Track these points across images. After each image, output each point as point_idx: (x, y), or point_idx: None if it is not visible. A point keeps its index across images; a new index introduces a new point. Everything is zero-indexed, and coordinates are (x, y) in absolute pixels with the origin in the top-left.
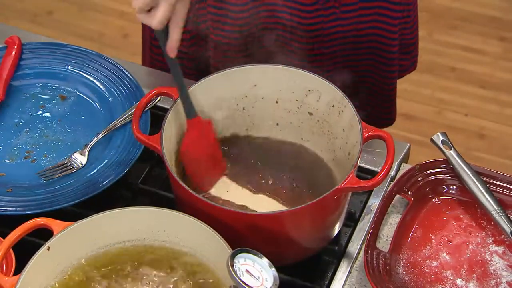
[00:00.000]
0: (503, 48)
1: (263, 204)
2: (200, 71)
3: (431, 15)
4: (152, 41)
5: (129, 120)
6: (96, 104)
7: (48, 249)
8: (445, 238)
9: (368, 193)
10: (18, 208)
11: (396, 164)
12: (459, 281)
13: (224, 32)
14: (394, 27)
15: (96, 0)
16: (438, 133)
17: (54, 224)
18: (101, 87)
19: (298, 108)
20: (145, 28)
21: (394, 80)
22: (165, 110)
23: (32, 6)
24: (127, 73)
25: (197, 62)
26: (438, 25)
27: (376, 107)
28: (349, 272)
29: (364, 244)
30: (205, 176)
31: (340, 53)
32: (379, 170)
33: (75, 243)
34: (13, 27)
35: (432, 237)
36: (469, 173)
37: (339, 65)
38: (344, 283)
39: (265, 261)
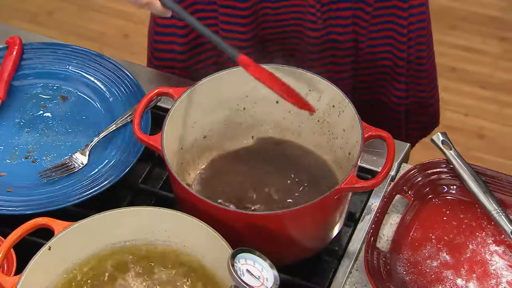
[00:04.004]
0: (503, 48)
1: (264, 203)
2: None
3: (431, 15)
4: (154, 44)
5: (130, 120)
6: (97, 104)
7: (49, 249)
8: (445, 238)
9: (369, 193)
10: (19, 208)
11: (396, 164)
12: (459, 281)
13: (233, 33)
14: (402, 45)
15: (97, 0)
16: (438, 133)
17: (55, 224)
18: (102, 87)
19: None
20: (150, 30)
21: (402, 101)
22: (166, 110)
23: (33, 6)
24: (128, 73)
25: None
26: (438, 25)
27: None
28: (350, 272)
29: (365, 244)
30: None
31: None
32: (379, 170)
33: (76, 243)
34: (14, 28)
35: (432, 237)
36: (469, 173)
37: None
38: (345, 283)
39: (265, 261)
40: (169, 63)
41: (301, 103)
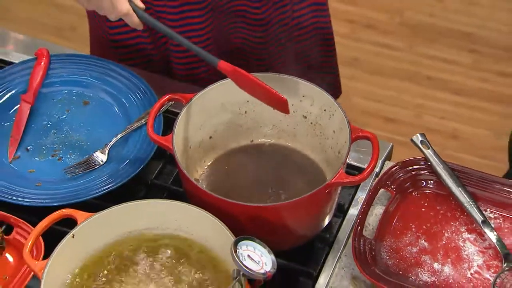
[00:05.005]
0: (473, 59)
1: (263, 197)
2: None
3: (411, 30)
4: (112, 43)
5: (144, 122)
6: (115, 109)
7: (73, 237)
8: (424, 227)
9: (356, 187)
10: (46, 201)
11: (380, 161)
12: (436, 265)
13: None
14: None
15: None
16: (418, 134)
17: (78, 214)
18: (119, 93)
19: (293, 112)
20: (96, 29)
21: (334, 57)
22: (176, 114)
23: (59, 22)
24: (142, 80)
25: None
26: (417, 39)
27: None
28: (339, 257)
29: (352, 232)
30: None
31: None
32: (365, 167)
33: (97, 231)
34: (42, 41)
35: (412, 226)
36: (444, 169)
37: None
38: (335, 267)
39: (264, 247)
40: (144, 59)
41: (279, 106)
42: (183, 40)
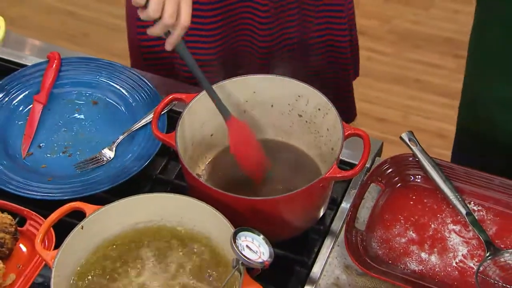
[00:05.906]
0: (457, 63)
1: (261, 191)
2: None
3: (399, 37)
4: (142, 49)
5: (149, 121)
6: (122, 108)
7: (82, 228)
8: (412, 218)
9: (348, 181)
10: (57, 194)
11: (371, 158)
12: (423, 254)
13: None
14: (343, 30)
15: (124, 24)
16: (406, 132)
17: (86, 207)
18: (126, 93)
19: (289, 111)
20: (132, 36)
21: (350, 81)
22: (179, 113)
23: (71, 29)
24: (147, 82)
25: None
26: (405, 45)
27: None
28: (332, 247)
29: (345, 224)
30: (255, 170)
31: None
32: (357, 163)
33: (104, 223)
34: (54, 45)
35: (401, 218)
36: (431, 165)
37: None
38: (328, 256)
39: (262, 238)
40: (166, 66)
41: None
42: (205, 83)
